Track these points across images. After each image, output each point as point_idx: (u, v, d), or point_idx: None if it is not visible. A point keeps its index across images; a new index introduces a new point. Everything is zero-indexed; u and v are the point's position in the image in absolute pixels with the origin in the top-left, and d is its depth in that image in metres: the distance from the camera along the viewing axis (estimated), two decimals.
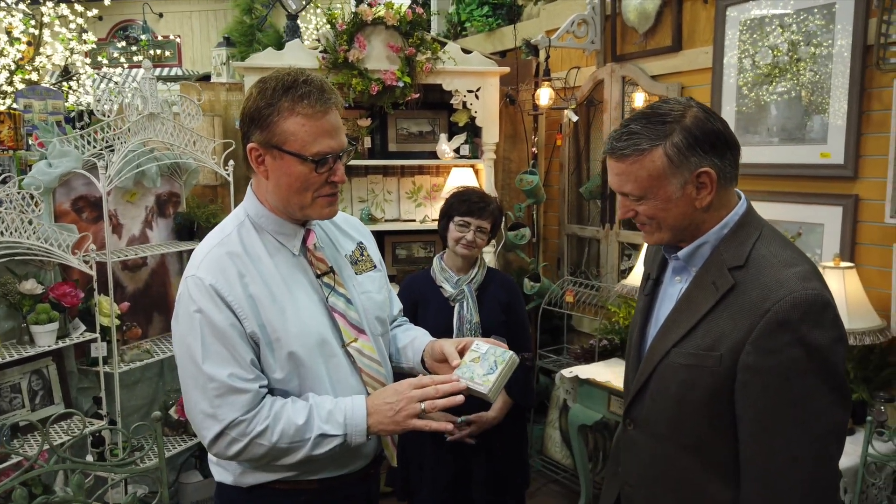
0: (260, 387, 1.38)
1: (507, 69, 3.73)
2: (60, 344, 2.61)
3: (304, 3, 4.32)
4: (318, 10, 7.22)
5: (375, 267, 1.63)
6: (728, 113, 2.98)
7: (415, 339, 1.67)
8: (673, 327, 1.34)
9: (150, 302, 3.21)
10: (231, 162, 3.14)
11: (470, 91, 3.61)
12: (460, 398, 1.40)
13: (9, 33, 7.11)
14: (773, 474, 1.21)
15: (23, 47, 7.28)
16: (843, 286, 2.36)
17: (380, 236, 3.68)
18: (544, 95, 3.63)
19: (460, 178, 3.63)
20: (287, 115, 1.34)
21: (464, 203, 2.44)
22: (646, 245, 1.64)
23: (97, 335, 2.69)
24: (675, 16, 3.25)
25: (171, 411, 3.02)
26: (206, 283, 1.36)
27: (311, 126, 1.34)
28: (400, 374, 1.60)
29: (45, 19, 7.45)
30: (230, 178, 3.18)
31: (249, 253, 1.42)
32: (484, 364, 1.45)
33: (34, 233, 2.48)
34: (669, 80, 3.32)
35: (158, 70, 9.44)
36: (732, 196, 1.34)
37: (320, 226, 1.55)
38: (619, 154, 1.30)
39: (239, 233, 1.44)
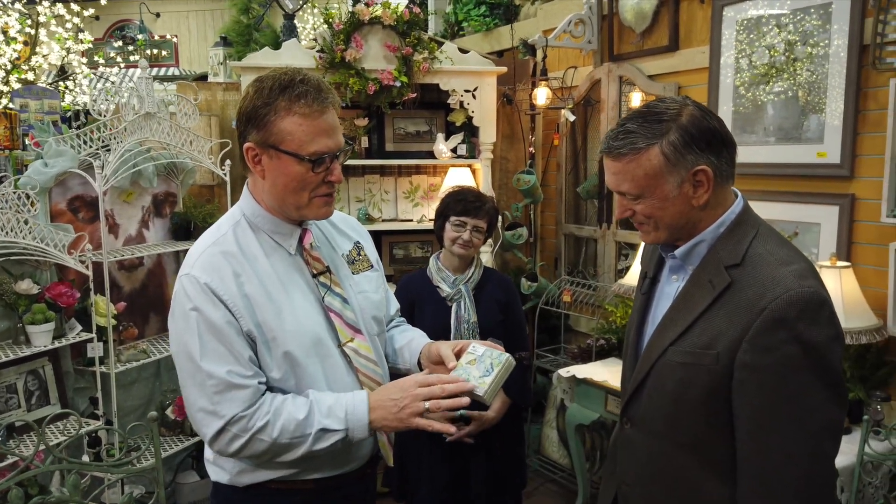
0: (259, 383, 1.38)
1: (504, 69, 3.73)
2: (56, 344, 2.61)
3: (300, 2, 4.32)
4: (315, 10, 7.20)
5: (372, 266, 1.62)
6: (725, 112, 2.98)
7: (412, 341, 1.67)
8: (670, 326, 1.34)
9: (147, 302, 3.20)
10: (228, 162, 3.13)
11: (467, 91, 3.61)
12: (466, 399, 1.39)
13: (5, 33, 7.09)
14: (769, 472, 1.22)
15: (19, 47, 7.26)
16: (840, 285, 2.36)
17: (377, 236, 3.68)
18: (541, 95, 3.63)
19: (457, 177, 3.63)
20: (284, 114, 1.33)
21: (460, 203, 2.44)
22: (643, 244, 1.64)
23: (93, 335, 2.68)
24: (671, 15, 3.25)
25: (168, 411, 3.01)
26: (201, 281, 1.36)
27: (308, 125, 1.34)
28: (396, 374, 1.60)
29: (42, 19, 7.43)
30: (227, 178, 3.17)
31: (245, 252, 1.42)
32: (480, 366, 1.45)
33: (30, 233, 2.48)
34: (666, 80, 3.32)
35: (155, 70, 9.43)
36: (729, 194, 1.34)
37: (317, 225, 1.55)
38: (615, 153, 1.30)
39: (234, 232, 1.44)
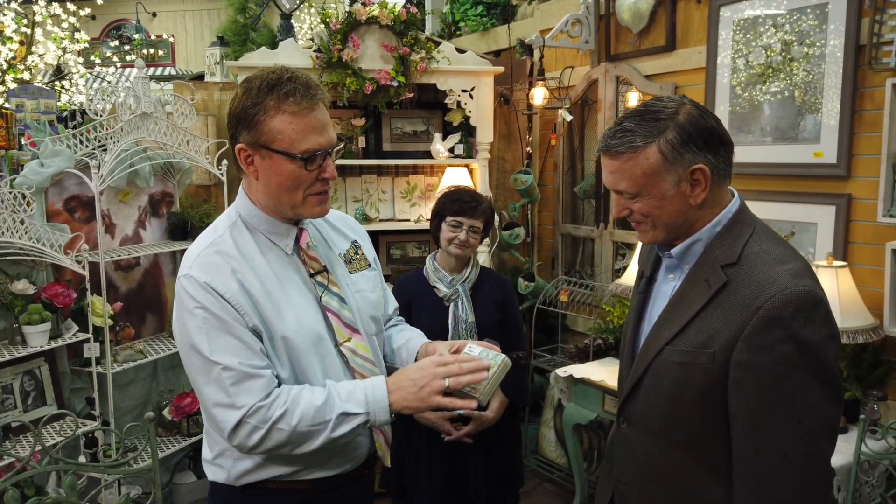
0: (272, 373, 1.37)
1: (501, 69, 3.73)
2: (53, 344, 2.60)
3: (297, 2, 4.31)
4: (312, 10, 7.21)
5: (370, 266, 1.62)
6: (722, 112, 2.98)
7: (409, 340, 1.67)
8: (666, 325, 1.34)
9: (144, 302, 3.19)
10: (224, 161, 3.13)
11: (464, 91, 3.61)
12: (485, 374, 1.39)
13: (0, 32, 7.07)
14: (765, 470, 1.22)
15: (15, 46, 7.25)
16: (836, 285, 2.37)
17: (374, 236, 3.66)
18: (538, 95, 3.63)
19: (455, 177, 3.63)
20: (273, 113, 1.33)
21: (455, 202, 2.44)
22: (640, 244, 1.64)
23: (90, 335, 2.67)
24: (668, 15, 3.26)
25: (165, 412, 3.00)
26: (201, 280, 1.35)
27: (298, 123, 1.33)
28: None
29: (38, 18, 7.41)
30: (224, 178, 3.17)
31: (242, 253, 1.41)
32: None
33: (26, 233, 2.47)
34: (663, 80, 3.33)
35: (152, 69, 9.41)
36: (726, 194, 1.34)
37: (314, 224, 1.54)
38: (613, 151, 1.30)
39: (231, 233, 1.43)
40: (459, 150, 3.76)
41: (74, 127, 3.14)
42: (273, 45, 3.67)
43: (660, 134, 1.26)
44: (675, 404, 1.31)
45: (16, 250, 2.47)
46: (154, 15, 10.74)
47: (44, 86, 6.74)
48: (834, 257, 2.48)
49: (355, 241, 1.62)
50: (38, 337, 2.54)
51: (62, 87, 7.93)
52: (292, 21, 4.31)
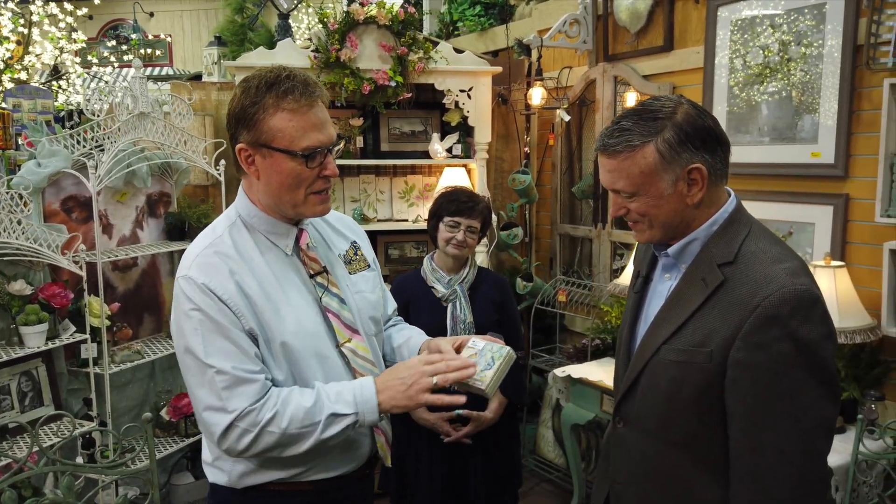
0: (266, 378, 1.37)
1: (499, 69, 3.73)
2: (50, 345, 2.59)
3: (295, 2, 4.31)
4: (310, 10, 7.20)
5: (369, 266, 1.62)
6: (719, 113, 2.99)
7: (410, 338, 1.67)
8: (663, 324, 1.34)
9: (141, 302, 3.19)
10: (222, 162, 3.12)
11: (462, 91, 3.61)
12: (472, 371, 1.40)
13: None
14: (762, 469, 1.22)
15: (12, 46, 7.23)
16: (834, 285, 2.37)
17: (372, 236, 3.68)
18: (536, 95, 3.63)
19: (453, 177, 3.63)
20: (273, 111, 1.33)
21: (453, 203, 2.44)
22: (638, 244, 1.64)
23: (87, 336, 2.67)
24: (666, 16, 3.26)
25: (163, 412, 3.00)
26: (199, 282, 1.35)
27: (298, 121, 1.33)
28: None
29: (35, 18, 7.40)
30: (221, 178, 3.16)
31: (241, 253, 1.41)
32: (481, 360, 1.45)
33: (23, 233, 2.46)
34: (661, 80, 3.33)
35: (149, 69, 9.39)
36: (722, 193, 1.35)
37: (313, 225, 1.54)
38: (610, 150, 1.30)
39: (230, 233, 1.43)
40: (457, 150, 3.76)
41: (72, 127, 3.14)
42: (271, 45, 3.67)
43: (657, 133, 1.26)
44: (671, 404, 1.31)
45: (13, 251, 2.46)
46: (151, 15, 10.73)
47: (41, 86, 6.72)
48: (832, 257, 2.48)
49: (354, 242, 1.62)
50: (35, 337, 2.54)
51: (59, 87, 7.91)
52: (290, 21, 4.31)
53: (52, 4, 7.42)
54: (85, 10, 8.36)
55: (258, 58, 3.41)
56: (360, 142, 3.74)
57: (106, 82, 8.27)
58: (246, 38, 5.60)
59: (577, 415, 3.06)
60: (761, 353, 1.20)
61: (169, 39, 10.71)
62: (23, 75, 7.35)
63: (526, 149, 3.95)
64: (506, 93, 4.00)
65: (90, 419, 2.71)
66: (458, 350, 1.51)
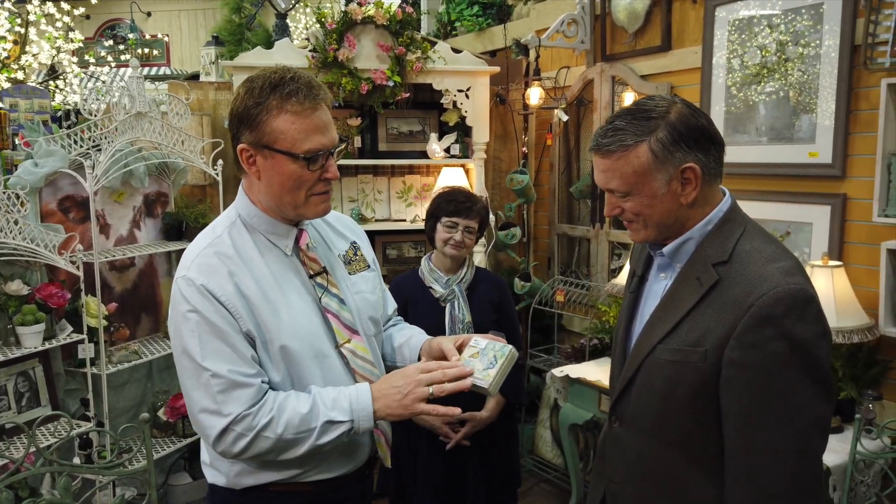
0: (262, 382, 1.37)
1: (497, 69, 3.73)
2: (47, 345, 2.59)
3: (293, 2, 4.31)
4: (308, 10, 7.19)
5: (369, 267, 1.62)
6: (717, 112, 2.99)
7: (411, 338, 1.67)
8: (658, 323, 1.34)
9: (139, 302, 3.18)
10: (220, 161, 3.12)
11: (460, 90, 3.61)
12: (468, 382, 1.39)
13: None
14: (757, 468, 1.22)
15: (9, 46, 7.21)
16: (832, 285, 2.37)
17: (370, 236, 3.63)
18: (534, 95, 3.63)
19: (451, 177, 3.63)
20: (276, 113, 1.32)
21: (450, 203, 2.44)
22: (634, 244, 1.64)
23: (84, 336, 2.66)
24: (664, 16, 3.26)
25: (160, 413, 2.99)
26: (198, 283, 1.35)
27: (301, 123, 1.33)
28: None
29: (32, 17, 7.38)
30: (219, 178, 3.16)
31: (241, 253, 1.41)
32: (483, 359, 1.44)
33: (20, 233, 2.46)
34: (659, 80, 3.33)
35: (146, 69, 9.39)
36: (717, 192, 1.35)
37: (313, 225, 1.54)
38: (604, 150, 1.30)
39: (230, 233, 1.43)
40: (455, 150, 3.76)
41: (69, 127, 3.13)
42: (268, 45, 3.66)
43: (650, 133, 1.27)
44: (666, 403, 1.31)
45: (10, 251, 2.45)
46: (149, 14, 10.71)
47: (38, 85, 6.71)
48: (829, 257, 2.49)
49: (354, 242, 1.62)
50: (32, 338, 2.53)
51: (56, 86, 7.90)
52: (288, 21, 4.30)
53: (49, 4, 7.40)
54: (82, 10, 8.35)
55: (256, 58, 3.41)
56: (357, 142, 3.74)
57: (103, 82, 8.25)
58: (243, 38, 5.60)
59: (575, 415, 3.06)
60: (756, 353, 1.20)
61: (166, 39, 10.70)
62: (20, 75, 7.33)
63: (524, 149, 3.95)
64: (504, 93, 4.00)
65: (87, 419, 2.71)
66: (459, 349, 1.50)
